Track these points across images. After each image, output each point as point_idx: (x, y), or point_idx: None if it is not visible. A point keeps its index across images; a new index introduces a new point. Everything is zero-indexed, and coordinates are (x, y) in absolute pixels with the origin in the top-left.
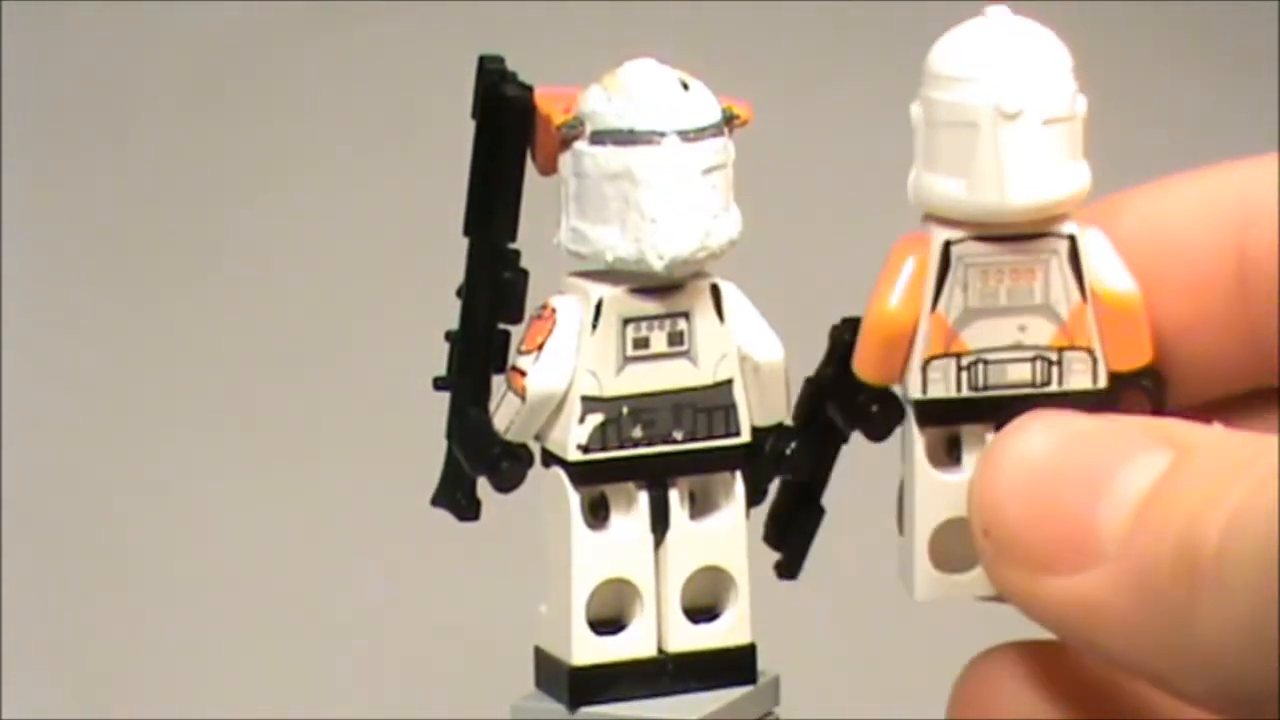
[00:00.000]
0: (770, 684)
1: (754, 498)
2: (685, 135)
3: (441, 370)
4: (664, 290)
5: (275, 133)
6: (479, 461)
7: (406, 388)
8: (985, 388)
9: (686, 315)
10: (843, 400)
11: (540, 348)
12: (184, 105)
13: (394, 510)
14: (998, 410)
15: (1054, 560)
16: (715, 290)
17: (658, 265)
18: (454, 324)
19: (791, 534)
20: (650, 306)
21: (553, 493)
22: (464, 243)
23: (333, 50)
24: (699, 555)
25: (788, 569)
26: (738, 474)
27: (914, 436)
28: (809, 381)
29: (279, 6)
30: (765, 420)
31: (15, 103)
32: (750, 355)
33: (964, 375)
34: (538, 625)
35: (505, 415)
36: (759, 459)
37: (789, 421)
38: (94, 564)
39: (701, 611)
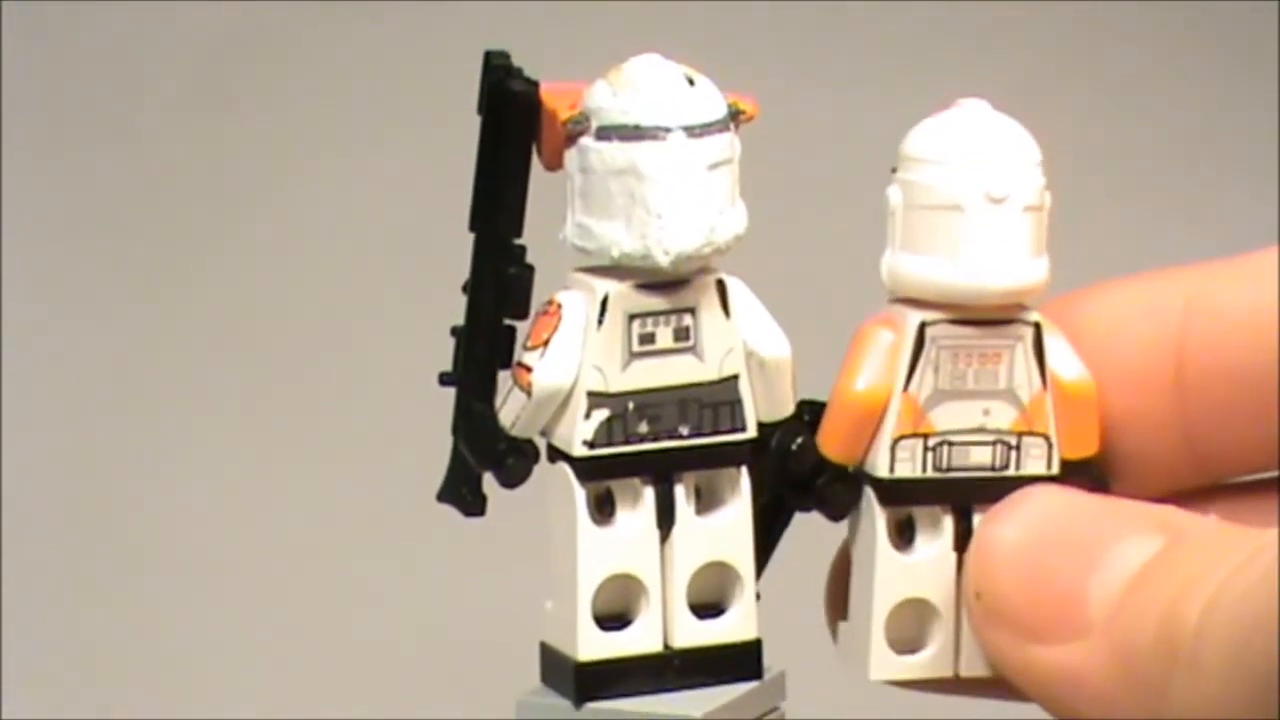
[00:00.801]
0: (776, 680)
1: (760, 493)
2: (691, 131)
3: (447, 366)
4: (670, 286)
5: (279, 129)
6: (485, 457)
7: (413, 383)
8: (949, 469)
9: (692, 311)
10: (801, 481)
11: (546, 344)
12: (186, 102)
13: (400, 505)
14: (956, 492)
15: (1042, 628)
16: (721, 286)
17: (663, 261)
18: (460, 319)
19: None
20: (656, 302)
21: (558, 488)
22: (470, 238)
23: (338, 46)
24: (705, 551)
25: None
26: (743, 469)
27: (875, 515)
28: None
29: (283, 3)
30: (771, 416)
31: (17, 100)
32: (756, 350)
33: (929, 456)
34: (543, 621)
35: (511, 411)
36: (765, 454)
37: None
38: (94, 564)
39: (707, 607)
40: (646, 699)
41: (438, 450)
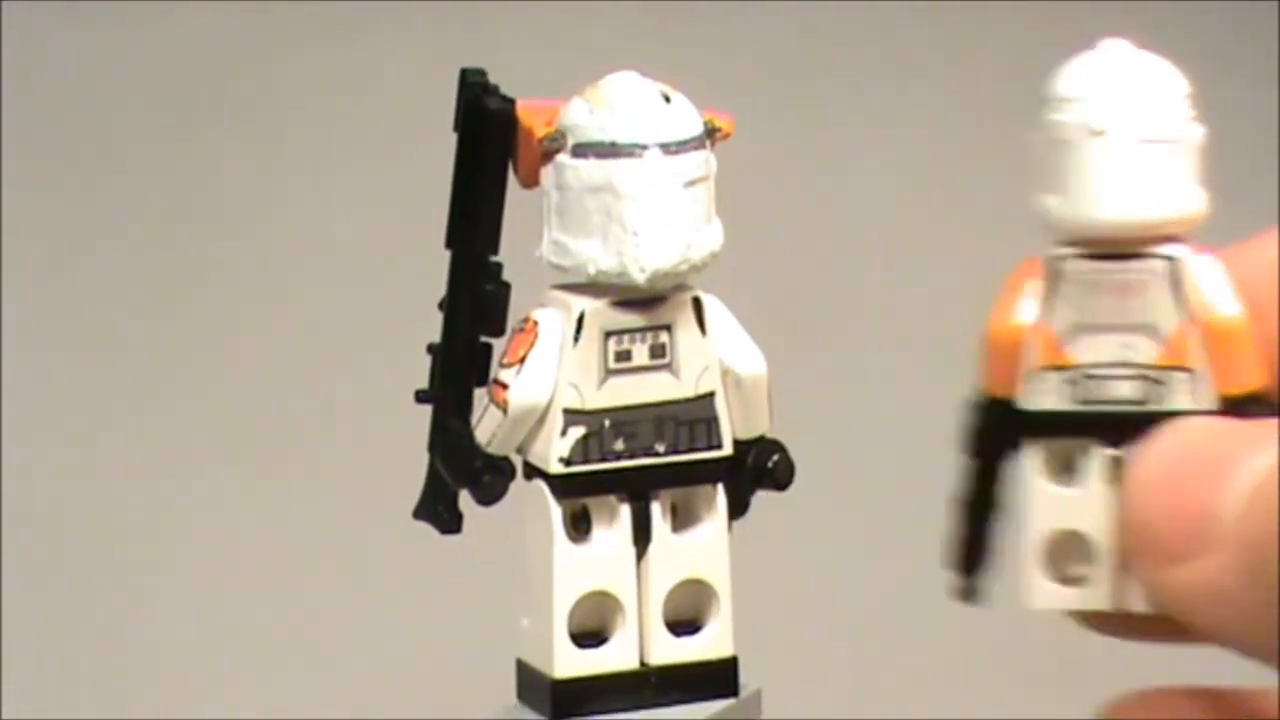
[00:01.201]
0: (753, 697)
1: (736, 511)
2: (667, 148)
3: (423, 383)
4: (646, 303)
5: (260, 147)
6: (461, 475)
7: (389, 400)
8: (1091, 402)
9: (668, 328)
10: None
11: (522, 361)
12: (177, 118)
13: (375, 523)
14: (1104, 427)
15: (1181, 547)
16: (697, 303)
17: (639, 278)
18: (436, 337)
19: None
20: (632, 319)
21: (535, 505)
22: (446, 255)
23: (323, 64)
24: (681, 568)
25: (972, 594)
26: (720, 487)
27: (1024, 451)
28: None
29: (272, 21)
30: (747, 433)
31: (12, 113)
32: (732, 368)
33: (1070, 389)
34: (520, 638)
35: (487, 428)
36: (741, 472)
37: (770, 434)
38: (93, 565)
39: (683, 624)
40: (623, 716)
41: (415, 467)
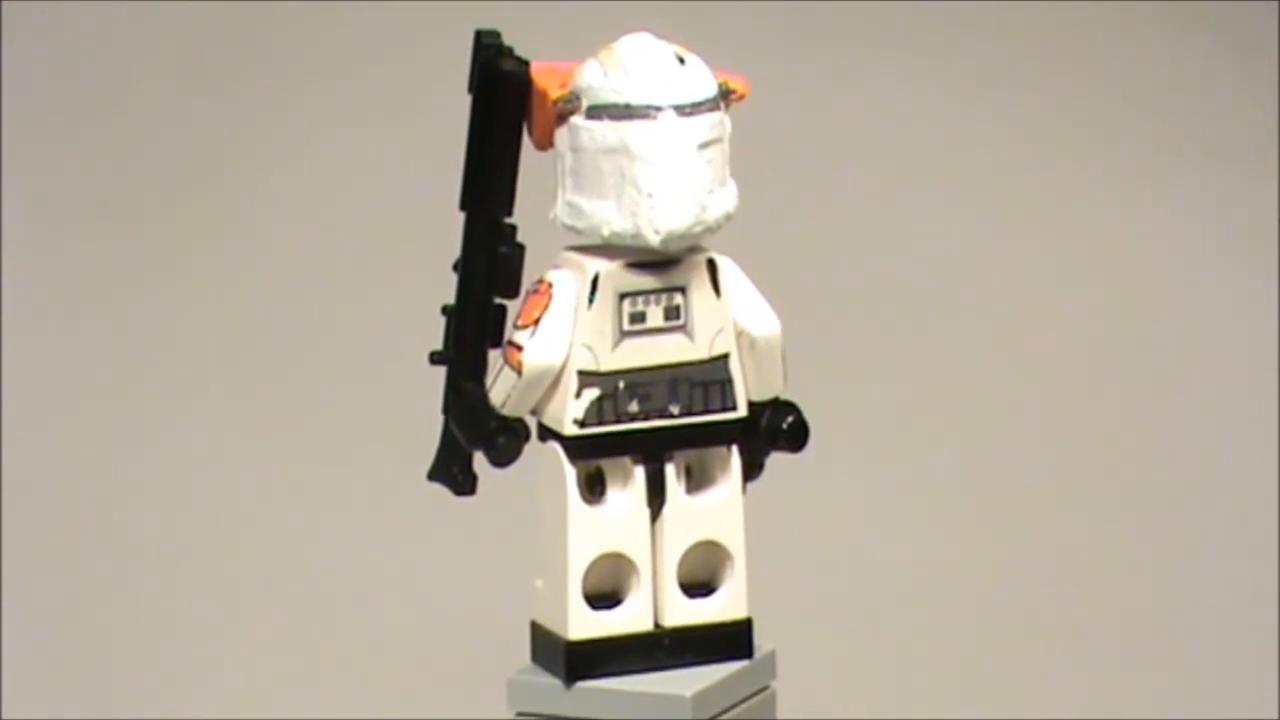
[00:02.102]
0: (767, 659)
1: (750, 472)
2: (681, 110)
3: (437, 345)
4: (660, 264)
5: (267, 114)
6: (475, 436)
7: (401, 362)
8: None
9: (683, 290)
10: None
11: (536, 322)
12: (178, 90)
13: (389, 485)
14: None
15: None
16: (712, 265)
17: (654, 240)
18: (450, 298)
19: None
20: (647, 281)
21: (549, 467)
22: (460, 218)
23: (327, 30)
24: (695, 530)
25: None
26: (734, 448)
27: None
28: None
29: None
30: (761, 395)
31: (12, 90)
32: (747, 329)
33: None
34: (535, 600)
35: (502, 390)
36: (756, 433)
37: (785, 395)
38: (93, 562)
39: (698, 586)
40: (637, 677)
41: (427, 430)
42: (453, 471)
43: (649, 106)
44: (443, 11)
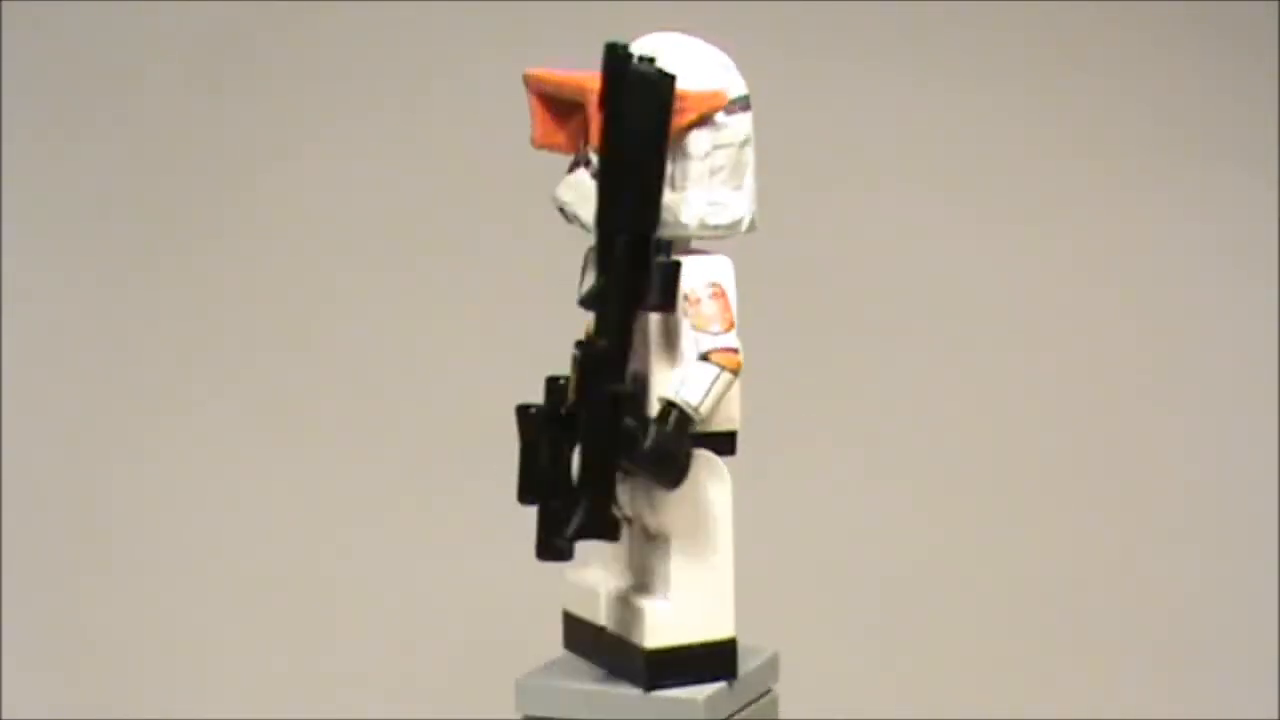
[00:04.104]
0: (770, 661)
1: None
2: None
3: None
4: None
5: (265, 116)
6: (679, 470)
7: (406, 369)
8: None
9: None
10: None
11: (733, 324)
12: (178, 91)
13: (389, 486)
14: None
15: None
16: None
17: (747, 225)
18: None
19: None
20: None
21: (707, 473)
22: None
23: (333, 34)
24: None
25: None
26: None
27: None
28: None
29: None
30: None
31: (15, 87)
32: None
33: None
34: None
35: (714, 397)
36: None
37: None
38: (94, 563)
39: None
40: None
41: (426, 430)
42: (560, 543)
43: (749, 96)
44: (445, 24)
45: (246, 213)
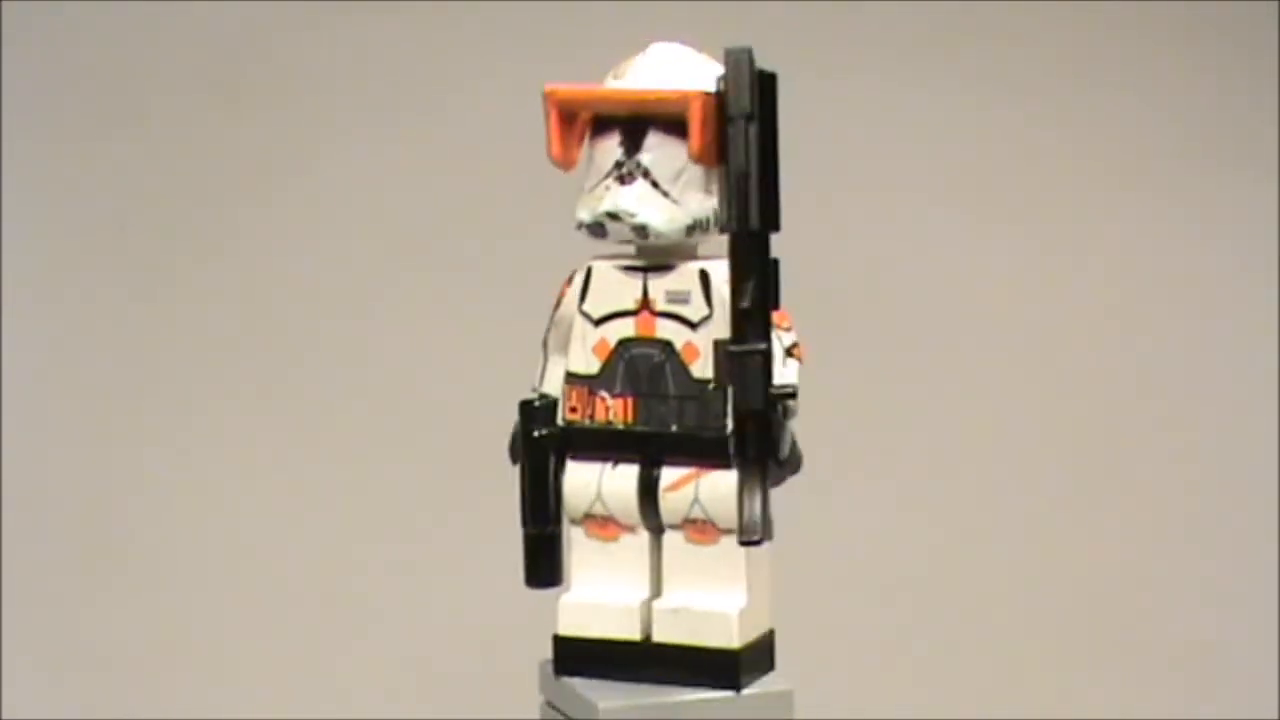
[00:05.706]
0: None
1: None
2: None
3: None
4: None
5: (273, 125)
6: (799, 461)
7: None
8: None
9: None
10: None
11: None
12: (193, 97)
13: (390, 487)
14: None
15: None
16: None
17: None
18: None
19: None
20: None
21: None
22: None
23: (345, 41)
24: None
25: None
26: None
27: None
28: None
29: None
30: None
31: (19, 95)
32: None
33: None
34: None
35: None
36: None
37: None
38: (95, 562)
39: None
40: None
41: (428, 431)
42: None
43: None
44: (459, 29)
45: (262, 221)
